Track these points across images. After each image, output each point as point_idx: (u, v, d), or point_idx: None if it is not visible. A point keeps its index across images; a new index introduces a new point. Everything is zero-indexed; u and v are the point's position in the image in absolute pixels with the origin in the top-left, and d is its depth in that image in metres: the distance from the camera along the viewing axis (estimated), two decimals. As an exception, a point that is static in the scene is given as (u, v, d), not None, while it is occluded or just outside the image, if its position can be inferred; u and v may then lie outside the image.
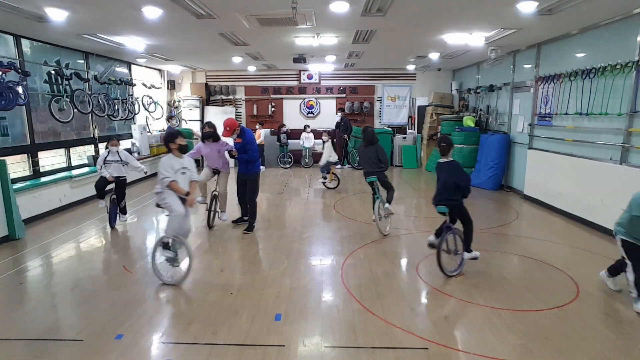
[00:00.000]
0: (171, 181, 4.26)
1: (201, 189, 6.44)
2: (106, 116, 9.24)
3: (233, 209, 6.89)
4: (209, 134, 6.21)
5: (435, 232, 4.74)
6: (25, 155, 7.37)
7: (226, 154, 6.31)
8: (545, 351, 3.13)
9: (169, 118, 11.87)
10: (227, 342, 3.29)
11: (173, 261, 4.45)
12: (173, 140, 4.39)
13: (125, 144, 10.87)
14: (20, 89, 6.47)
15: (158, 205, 4.47)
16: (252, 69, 12.81)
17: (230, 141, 6.32)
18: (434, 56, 9.82)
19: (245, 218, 6.43)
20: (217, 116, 13.14)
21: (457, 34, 7.37)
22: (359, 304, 3.91)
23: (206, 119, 13.15)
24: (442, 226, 4.60)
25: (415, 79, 13.50)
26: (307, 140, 12.77)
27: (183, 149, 4.42)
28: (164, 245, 4.43)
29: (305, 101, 13.91)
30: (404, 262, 5.16)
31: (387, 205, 5.97)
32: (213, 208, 6.37)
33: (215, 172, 6.34)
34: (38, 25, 6.23)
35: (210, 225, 6.39)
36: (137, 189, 9.67)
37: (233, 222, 6.58)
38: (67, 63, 8.27)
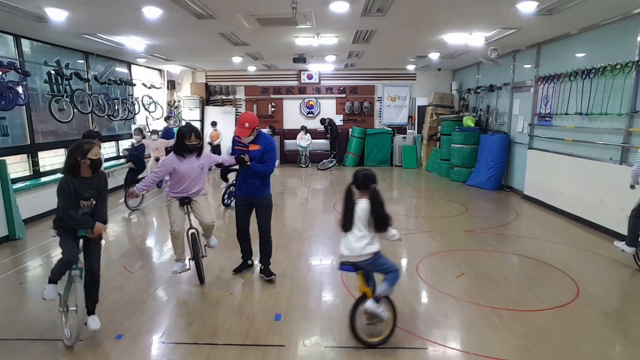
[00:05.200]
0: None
1: (177, 249, 4.27)
2: (106, 116, 9.23)
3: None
4: (195, 147, 4.16)
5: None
6: (25, 155, 7.37)
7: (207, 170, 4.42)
8: (545, 351, 3.13)
9: (167, 118, 11.76)
10: (227, 342, 3.29)
11: None
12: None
13: (125, 144, 10.88)
14: (20, 89, 6.46)
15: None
16: (252, 69, 12.81)
17: (216, 158, 4.55)
18: (434, 56, 9.82)
19: (250, 262, 4.69)
20: (217, 116, 13.18)
21: (457, 34, 7.37)
22: (359, 304, 3.91)
23: (206, 119, 13.18)
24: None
25: (415, 79, 13.50)
26: (303, 140, 12.81)
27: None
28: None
29: (305, 101, 13.91)
30: (404, 262, 5.16)
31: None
32: (201, 254, 4.39)
33: (184, 201, 4.24)
34: (38, 25, 6.23)
35: (202, 280, 4.41)
36: (137, 189, 9.67)
37: (235, 271, 4.62)
38: (67, 63, 8.27)
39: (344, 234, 3.18)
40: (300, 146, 12.81)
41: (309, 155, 13.05)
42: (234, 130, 4.29)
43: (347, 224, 3.15)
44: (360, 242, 3.10)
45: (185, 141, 4.09)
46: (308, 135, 12.83)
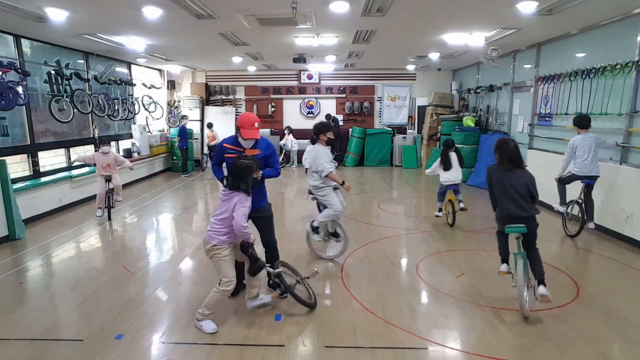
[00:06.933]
0: (330, 172, 4.63)
1: (214, 308, 3.47)
2: (106, 116, 9.24)
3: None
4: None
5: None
6: (25, 155, 7.37)
7: None
8: (545, 351, 3.13)
9: (183, 117, 12.29)
10: (227, 342, 3.29)
11: (333, 237, 5.06)
12: (324, 132, 4.78)
13: (125, 144, 10.90)
14: (20, 89, 6.45)
15: (313, 197, 5.02)
16: (252, 69, 12.81)
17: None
18: (434, 56, 9.82)
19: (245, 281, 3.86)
20: (217, 116, 13.19)
21: (457, 34, 7.37)
22: (359, 304, 3.91)
23: (206, 119, 13.19)
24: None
25: (415, 79, 13.50)
26: (288, 141, 12.85)
27: (331, 142, 4.91)
28: (314, 229, 4.98)
29: (305, 101, 13.91)
30: (404, 262, 5.16)
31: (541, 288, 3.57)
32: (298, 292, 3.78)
33: (245, 246, 3.49)
34: (38, 25, 6.23)
35: (312, 304, 3.85)
36: (136, 189, 9.68)
37: (230, 297, 3.81)
38: (67, 63, 8.27)
39: (444, 171, 6.33)
40: (284, 146, 12.84)
41: (290, 155, 13.03)
42: (244, 134, 3.73)
43: (448, 166, 6.31)
44: (459, 173, 6.36)
45: (255, 175, 3.46)
46: (291, 136, 12.88)
